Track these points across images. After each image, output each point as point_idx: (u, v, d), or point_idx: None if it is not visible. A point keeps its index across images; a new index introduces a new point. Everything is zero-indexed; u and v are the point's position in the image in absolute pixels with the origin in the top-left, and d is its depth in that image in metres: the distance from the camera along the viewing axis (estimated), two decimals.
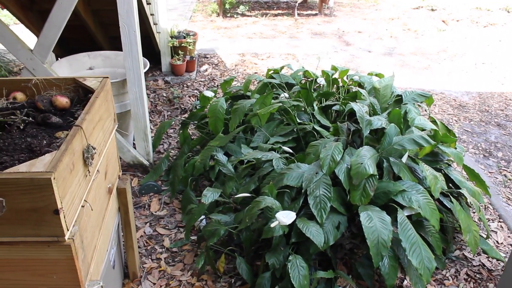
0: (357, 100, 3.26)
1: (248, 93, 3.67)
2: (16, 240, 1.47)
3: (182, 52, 5.24)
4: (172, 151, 3.84)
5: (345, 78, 3.84)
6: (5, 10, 7.02)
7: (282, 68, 3.90)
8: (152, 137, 3.81)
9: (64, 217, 1.43)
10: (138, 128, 3.36)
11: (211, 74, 5.35)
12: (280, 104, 3.00)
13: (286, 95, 3.47)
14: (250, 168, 2.86)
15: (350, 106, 2.98)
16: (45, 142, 1.63)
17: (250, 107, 3.28)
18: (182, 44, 5.23)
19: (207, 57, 5.91)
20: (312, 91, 3.49)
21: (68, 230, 1.47)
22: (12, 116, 1.80)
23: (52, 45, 3.08)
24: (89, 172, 1.70)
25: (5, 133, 1.73)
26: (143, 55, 3.36)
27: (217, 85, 5.00)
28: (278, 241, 2.42)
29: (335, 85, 3.76)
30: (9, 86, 2.03)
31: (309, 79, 3.93)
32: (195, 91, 4.81)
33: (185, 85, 5.00)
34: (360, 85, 3.69)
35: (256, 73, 5.40)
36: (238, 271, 2.48)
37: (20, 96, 2.02)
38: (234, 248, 2.68)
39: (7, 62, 5.69)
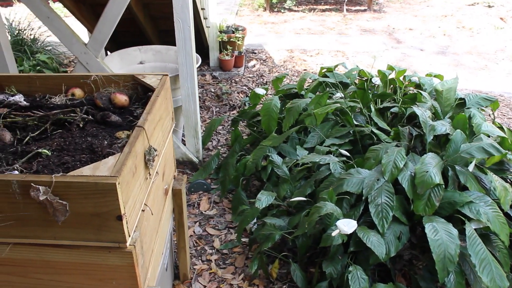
0: (417, 103, 3.11)
1: (302, 92, 3.56)
2: (77, 244, 1.42)
3: (230, 47, 5.17)
4: (220, 148, 3.77)
5: (401, 78, 3.68)
6: (57, 2, 7.11)
7: (336, 66, 3.77)
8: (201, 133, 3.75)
9: (127, 223, 1.37)
10: (188, 125, 3.31)
11: (259, 70, 5.26)
12: (338, 104, 2.88)
13: (341, 94, 3.35)
14: (305, 171, 2.76)
15: (412, 109, 2.84)
16: (106, 142, 1.57)
17: (305, 107, 3.17)
18: (231, 39, 5.16)
19: (255, 53, 5.83)
20: (368, 91, 3.36)
21: (129, 236, 1.41)
22: (72, 114, 1.75)
23: (106, 40, 3.05)
24: (149, 174, 1.64)
25: (65, 131, 1.69)
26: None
27: (266, 82, 4.91)
28: (336, 250, 2.31)
29: (391, 86, 3.61)
30: (68, 82, 1.99)
31: (363, 79, 3.79)
32: (244, 87, 4.73)
33: (233, 81, 4.93)
34: (419, 86, 3.53)
35: (305, 70, 5.28)
36: (292, 277, 2.39)
37: (78, 92, 1.97)
38: (287, 253, 2.59)
39: (58, 54, 5.75)
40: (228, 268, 2.62)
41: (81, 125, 1.71)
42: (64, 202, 1.29)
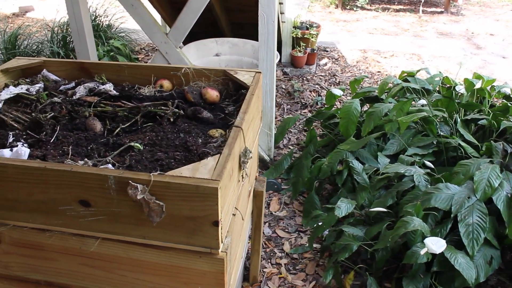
0: (509, 116, 2.91)
1: (382, 96, 3.40)
2: (167, 246, 1.36)
3: (303, 44, 5.05)
4: (291, 147, 3.67)
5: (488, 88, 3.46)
6: None
7: (418, 71, 3.59)
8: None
9: (221, 229, 1.30)
10: (263, 122, 3.23)
11: (331, 69, 5.12)
12: (424, 113, 2.72)
13: (425, 102, 3.17)
14: (386, 180, 2.62)
15: (506, 123, 2.64)
16: (200, 140, 1.50)
17: (386, 112, 3.02)
18: (305, 36, 5.04)
19: (327, 51, 5.68)
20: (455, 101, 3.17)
21: (222, 242, 1.34)
22: (163, 107, 1.70)
23: (187, 30, 3.01)
24: (242, 177, 1.56)
25: (156, 125, 1.63)
26: None
27: (339, 82, 4.77)
28: (418, 267, 2.17)
29: (477, 96, 3.40)
30: (157, 73, 1.94)
31: (446, 86, 3.60)
32: (316, 86, 4.61)
33: (304, 78, 4.81)
34: (508, 98, 3.30)
35: (379, 71, 5.10)
36: None
37: (167, 84, 1.92)
38: (361, 265, 2.47)
39: (130, 41, 5.81)
40: (298, 274, 2.53)
41: (171, 120, 1.66)
42: (161, 203, 1.23)
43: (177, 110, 1.67)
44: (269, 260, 2.63)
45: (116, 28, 5.86)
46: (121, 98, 1.80)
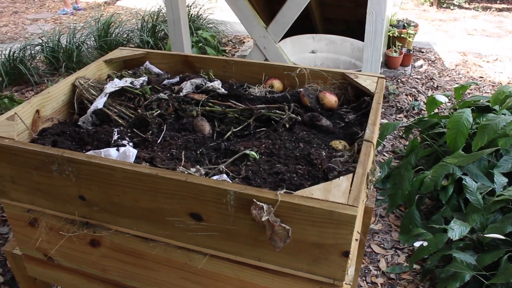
0: None
1: (495, 107, 3.08)
2: (284, 271, 1.20)
3: (399, 44, 4.76)
4: (386, 154, 3.43)
5: None
6: None
7: None
8: None
9: (350, 259, 1.12)
10: None
11: (427, 72, 4.79)
12: None
13: None
14: (504, 202, 2.34)
15: None
16: (323, 153, 1.32)
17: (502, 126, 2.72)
18: (402, 35, 4.75)
19: (422, 52, 5.35)
20: None
21: (347, 273, 1.15)
22: (278, 111, 1.53)
23: (288, 25, 2.85)
24: (366, 197, 1.37)
25: (271, 131, 1.47)
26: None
27: (437, 86, 4.44)
28: None
29: None
30: (268, 71, 1.79)
31: None
32: (412, 89, 4.31)
33: (399, 81, 4.53)
34: None
35: (481, 77, 4.72)
36: None
37: (277, 84, 1.76)
38: None
39: (217, 32, 5.73)
40: None
41: (287, 126, 1.49)
42: (287, 227, 1.06)
43: (294, 115, 1.50)
44: (364, 278, 2.42)
45: (205, 19, 5.81)
46: (230, 97, 1.65)
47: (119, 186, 1.21)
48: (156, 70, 1.91)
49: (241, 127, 1.49)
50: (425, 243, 2.38)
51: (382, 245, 2.65)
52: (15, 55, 4.65)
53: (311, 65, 3.49)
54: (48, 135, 1.47)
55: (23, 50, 4.77)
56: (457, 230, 2.13)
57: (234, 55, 5.28)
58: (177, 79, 1.78)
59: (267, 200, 1.07)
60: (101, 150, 1.30)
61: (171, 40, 3.13)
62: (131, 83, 1.71)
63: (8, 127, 1.41)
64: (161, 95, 1.58)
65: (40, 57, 5.08)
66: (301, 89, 1.66)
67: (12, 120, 1.45)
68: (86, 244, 1.43)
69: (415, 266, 2.49)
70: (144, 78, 1.75)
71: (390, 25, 4.79)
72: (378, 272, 2.48)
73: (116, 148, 1.32)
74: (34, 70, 4.67)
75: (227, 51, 5.45)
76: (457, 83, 4.54)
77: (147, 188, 1.18)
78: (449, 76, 4.71)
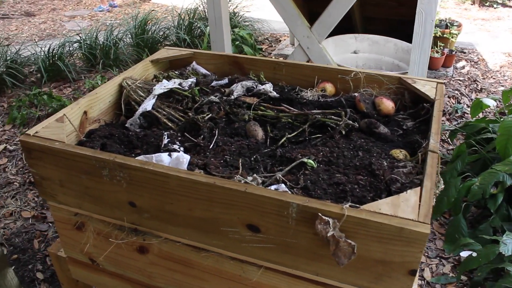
0: None
1: None
2: (341, 287, 1.14)
3: (442, 44, 4.62)
4: None
5: None
6: None
7: None
8: None
9: (416, 277, 1.05)
10: None
11: (470, 73, 4.64)
12: None
13: None
14: None
15: None
16: (385, 163, 1.25)
17: None
18: (444, 35, 4.61)
19: (464, 52, 5.18)
20: None
21: None
22: (333, 117, 1.47)
23: (334, 25, 2.78)
24: None
25: (328, 138, 1.40)
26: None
27: (481, 89, 4.29)
28: None
29: None
30: (320, 74, 1.73)
31: None
32: (455, 91, 4.17)
33: None
34: None
35: None
36: None
37: (330, 88, 1.70)
38: None
39: (253, 30, 5.67)
40: None
41: (343, 133, 1.42)
42: (353, 243, 1.00)
43: (351, 122, 1.43)
44: None
45: (241, 17, 5.76)
46: (281, 101, 1.59)
47: (172, 194, 1.17)
48: (203, 70, 1.87)
49: (295, 133, 1.43)
50: (474, 254, 2.28)
51: (426, 254, 2.56)
52: (54, 52, 4.69)
53: (353, 66, 3.41)
54: (96, 138, 1.44)
55: (61, 47, 4.80)
56: (510, 245, 2.03)
57: (271, 53, 5.22)
58: (225, 80, 1.74)
59: (331, 214, 1.01)
60: (153, 155, 1.26)
61: (211, 38, 3.09)
62: (180, 84, 1.67)
63: (58, 129, 1.38)
64: (212, 98, 1.53)
65: (78, 54, 5.11)
66: (356, 94, 1.60)
67: (61, 121, 1.43)
68: (134, 250, 1.40)
69: (462, 277, 2.39)
70: (192, 80, 1.71)
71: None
72: (423, 282, 2.39)
73: (168, 153, 1.28)
74: (72, 67, 4.69)
75: (263, 49, 5.39)
76: (502, 86, 4.38)
77: (203, 197, 1.13)
78: (494, 78, 4.55)
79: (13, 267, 2.20)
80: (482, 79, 4.52)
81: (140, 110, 1.54)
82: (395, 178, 1.19)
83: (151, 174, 1.16)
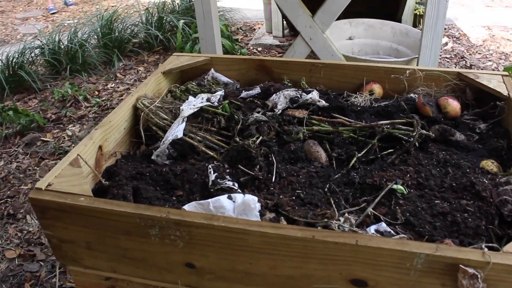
0: None
1: None
2: None
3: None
4: None
5: None
6: None
7: None
8: None
9: None
10: None
11: (454, 50, 4.53)
12: None
13: None
14: None
15: None
16: (485, 180, 1.06)
17: None
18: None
19: (445, 29, 5.07)
20: None
21: None
22: (402, 127, 1.26)
23: (338, 13, 2.57)
24: None
25: (404, 154, 1.20)
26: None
27: (470, 65, 4.18)
28: None
29: None
30: (367, 74, 1.51)
31: None
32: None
33: None
34: None
35: None
36: None
37: (378, 89, 1.50)
38: None
39: (225, 20, 5.38)
40: None
41: (417, 144, 1.22)
42: (483, 284, 0.81)
43: (425, 131, 1.23)
44: None
45: None
46: (332, 110, 1.38)
47: (251, 252, 0.94)
48: (224, 79, 1.63)
49: (364, 150, 1.21)
50: None
51: None
52: (13, 60, 4.27)
53: (349, 53, 3.22)
54: (122, 180, 1.15)
55: (21, 55, 4.38)
56: None
57: (248, 43, 4.96)
58: (257, 89, 1.50)
59: (470, 262, 0.81)
60: (208, 200, 1.01)
61: (200, 35, 2.81)
62: (208, 99, 1.42)
63: (77, 177, 1.09)
64: (257, 115, 1.30)
65: (40, 60, 4.70)
66: (413, 95, 1.40)
67: (77, 165, 1.12)
68: None
69: None
70: (220, 93, 1.47)
71: (416, 3, 4.50)
72: None
73: (227, 195, 1.03)
74: (35, 75, 4.29)
75: (239, 40, 5.13)
76: (490, 61, 4.29)
77: (295, 254, 0.91)
78: (479, 53, 4.45)
79: None
80: (469, 55, 4.42)
81: (170, 137, 1.28)
82: (505, 199, 1.00)
83: (221, 232, 0.93)
